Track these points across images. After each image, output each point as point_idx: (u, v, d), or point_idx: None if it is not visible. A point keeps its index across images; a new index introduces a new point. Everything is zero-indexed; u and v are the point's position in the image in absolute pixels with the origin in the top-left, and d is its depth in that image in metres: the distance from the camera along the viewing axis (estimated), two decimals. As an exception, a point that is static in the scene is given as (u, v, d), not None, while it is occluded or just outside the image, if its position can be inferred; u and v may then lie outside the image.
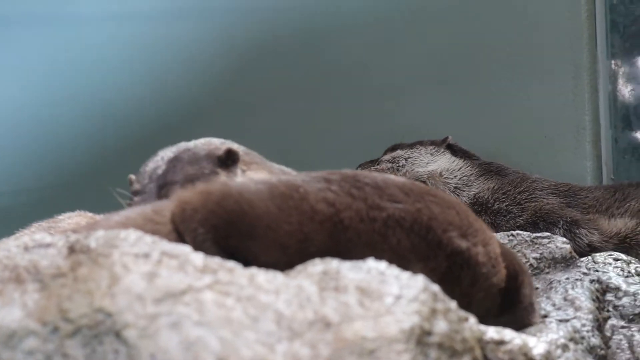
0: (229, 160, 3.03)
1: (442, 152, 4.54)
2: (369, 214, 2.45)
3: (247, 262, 2.26)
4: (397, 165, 4.50)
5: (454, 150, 4.57)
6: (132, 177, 3.09)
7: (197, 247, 2.30)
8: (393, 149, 4.60)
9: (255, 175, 3.01)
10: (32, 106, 4.94)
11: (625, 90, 5.09)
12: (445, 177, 4.42)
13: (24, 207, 4.83)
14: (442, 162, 4.49)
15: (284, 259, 2.32)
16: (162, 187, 2.99)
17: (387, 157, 4.57)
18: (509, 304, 2.69)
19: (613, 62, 5.07)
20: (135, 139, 4.91)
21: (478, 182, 4.40)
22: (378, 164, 4.54)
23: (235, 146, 3.10)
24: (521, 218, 4.18)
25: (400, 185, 2.55)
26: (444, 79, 5.07)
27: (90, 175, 4.89)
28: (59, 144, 4.94)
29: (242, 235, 2.38)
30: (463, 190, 4.33)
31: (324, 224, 2.41)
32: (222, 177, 2.99)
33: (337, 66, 5.12)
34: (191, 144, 3.10)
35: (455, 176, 4.43)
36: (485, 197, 4.30)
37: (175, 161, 3.03)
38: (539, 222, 4.11)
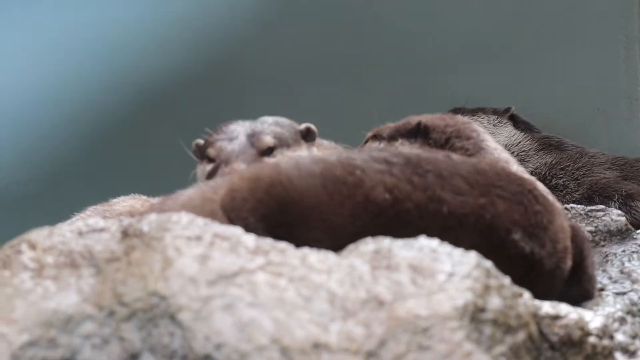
0: (308, 136, 3.11)
1: (505, 123, 4.49)
2: (429, 208, 2.40)
3: (299, 246, 2.25)
4: None
5: (516, 121, 4.52)
6: (200, 140, 3.12)
7: None
8: (455, 112, 4.54)
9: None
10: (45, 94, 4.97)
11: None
12: None
13: (38, 195, 4.87)
14: (503, 135, 4.44)
15: (336, 247, 2.29)
16: (253, 135, 3.02)
17: None
18: (573, 277, 2.66)
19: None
20: (143, 114, 4.92)
21: (536, 157, 4.36)
22: None
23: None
24: (577, 193, 4.15)
25: (466, 175, 2.46)
26: (495, 51, 5.02)
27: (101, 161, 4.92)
28: (62, 131, 4.97)
29: (292, 224, 2.35)
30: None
31: (378, 216, 2.37)
32: (303, 147, 3.05)
33: (380, 36, 5.07)
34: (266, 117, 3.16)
35: (514, 152, 4.39)
36: (543, 172, 4.27)
37: (262, 121, 3.09)
38: (595, 196, 4.08)
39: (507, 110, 4.52)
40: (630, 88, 4.92)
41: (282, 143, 3.06)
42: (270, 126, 3.09)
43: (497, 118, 4.50)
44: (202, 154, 3.09)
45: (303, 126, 3.16)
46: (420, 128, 2.94)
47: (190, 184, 2.80)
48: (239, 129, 3.07)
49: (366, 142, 3.06)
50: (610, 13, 4.94)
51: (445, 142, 2.88)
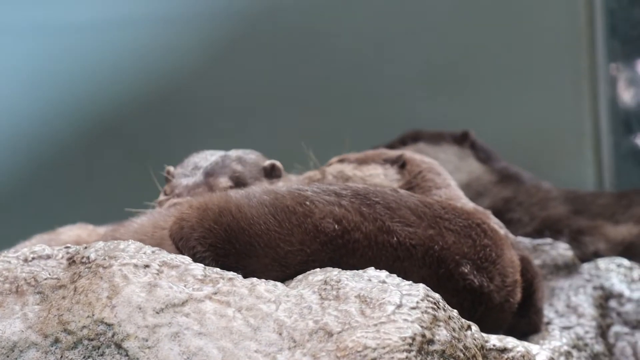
0: (273, 173, 3.08)
1: (467, 154, 4.49)
2: (377, 239, 2.40)
3: (247, 277, 2.24)
4: None
5: (476, 149, 4.52)
6: (171, 168, 3.09)
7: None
8: (415, 138, 4.51)
9: None
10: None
11: (626, 95, 5.08)
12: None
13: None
14: (465, 171, 4.45)
15: (284, 276, 2.29)
16: (210, 175, 3.00)
17: (412, 149, 4.47)
18: (522, 309, 2.68)
19: (613, 65, 5.06)
20: (124, 132, 4.90)
21: (495, 190, 4.37)
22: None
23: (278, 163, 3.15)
24: (529, 227, 4.17)
25: (413, 207, 2.47)
26: (442, 82, 5.06)
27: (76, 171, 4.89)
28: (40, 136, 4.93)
29: (240, 253, 2.34)
30: (476, 203, 4.29)
31: (327, 245, 2.37)
32: (263, 185, 3.03)
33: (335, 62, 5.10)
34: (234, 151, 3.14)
35: (473, 187, 4.40)
36: (498, 207, 4.28)
37: (224, 157, 3.06)
38: (545, 230, 4.10)
39: (465, 136, 4.52)
40: (578, 123, 4.97)
41: (240, 182, 3.04)
42: (231, 164, 3.06)
43: (460, 149, 4.50)
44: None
45: (267, 163, 3.13)
46: (400, 158, 2.97)
47: (140, 212, 2.78)
48: (200, 165, 3.05)
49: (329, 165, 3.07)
50: (557, 48, 5.00)
51: (418, 173, 2.91)
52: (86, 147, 4.86)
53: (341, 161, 3.05)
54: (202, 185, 2.96)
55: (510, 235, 2.77)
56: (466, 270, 2.44)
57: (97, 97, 4.93)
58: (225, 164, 3.04)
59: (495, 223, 2.71)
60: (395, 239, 2.40)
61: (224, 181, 2.99)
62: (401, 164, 2.95)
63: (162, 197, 3.01)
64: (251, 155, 3.12)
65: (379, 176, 2.92)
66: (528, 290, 2.69)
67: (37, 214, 4.52)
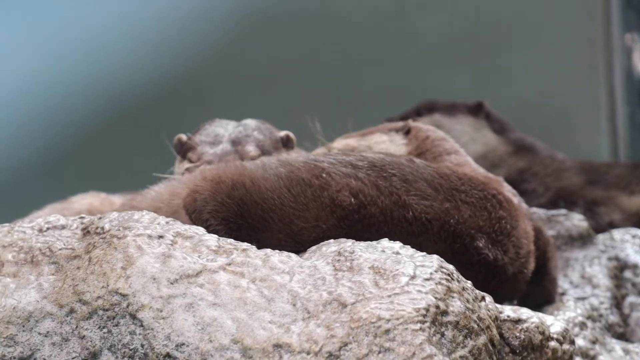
0: (288, 144, 3.08)
1: (482, 125, 4.47)
2: (393, 214, 2.39)
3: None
4: None
5: (491, 120, 4.50)
6: (183, 136, 3.08)
7: None
8: (430, 109, 4.49)
9: None
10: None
11: (641, 65, 5.06)
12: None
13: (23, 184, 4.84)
14: (481, 142, 4.43)
15: (298, 250, 2.28)
16: (237, 144, 2.99)
17: (426, 121, 4.45)
18: (536, 278, 2.67)
19: (628, 36, 5.03)
20: (137, 108, 4.89)
21: (510, 161, 4.35)
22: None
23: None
24: (544, 198, 4.16)
25: (429, 179, 2.46)
26: (458, 53, 5.04)
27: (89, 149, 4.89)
28: (53, 118, 4.94)
29: (253, 227, 2.33)
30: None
31: (344, 221, 2.36)
32: (283, 155, 3.03)
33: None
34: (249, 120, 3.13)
35: (489, 158, 4.38)
36: (513, 177, 4.27)
37: (245, 126, 3.05)
38: (560, 201, 4.09)
39: (480, 107, 4.49)
40: (593, 93, 4.95)
41: (264, 152, 3.03)
42: (253, 133, 3.04)
43: (475, 120, 4.48)
44: (183, 152, 3.06)
45: (283, 133, 3.12)
46: (405, 126, 2.96)
47: (156, 180, 2.78)
48: (223, 133, 3.04)
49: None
50: (573, 18, 4.97)
51: (426, 138, 2.89)
52: (102, 117, 4.87)
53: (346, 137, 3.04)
54: (232, 153, 2.95)
55: (524, 205, 2.77)
56: (481, 245, 2.43)
57: (112, 71, 4.93)
58: (248, 132, 3.04)
59: (509, 191, 2.70)
60: (410, 213, 2.39)
61: (252, 149, 2.99)
62: (406, 131, 2.93)
63: (186, 164, 3.00)
64: (267, 125, 3.12)
65: (385, 142, 2.92)
66: (542, 259, 2.69)
67: (51, 183, 4.52)
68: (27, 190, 4.65)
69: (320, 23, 5.11)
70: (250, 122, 3.08)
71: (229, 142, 2.99)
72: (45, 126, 4.90)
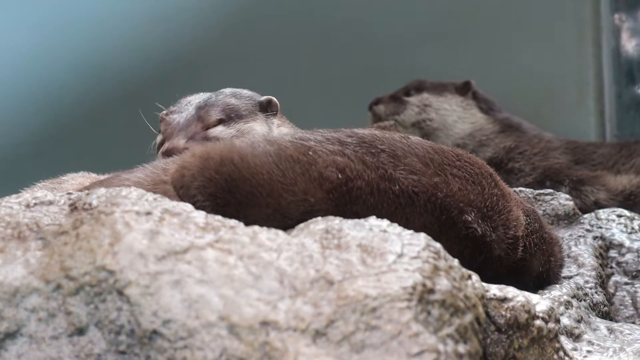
0: (269, 109, 3.07)
1: (470, 105, 4.49)
2: (380, 187, 2.39)
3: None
4: (427, 117, 4.44)
5: (478, 100, 4.52)
6: (164, 112, 3.09)
7: None
8: (418, 88, 4.52)
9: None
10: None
11: (629, 45, 5.06)
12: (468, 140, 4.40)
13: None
14: (469, 121, 4.45)
15: (285, 227, 2.28)
16: (202, 108, 2.99)
17: (415, 100, 4.48)
18: (542, 279, 2.69)
19: (616, 16, 5.03)
20: (131, 90, 4.89)
21: (497, 140, 4.38)
22: (404, 109, 4.46)
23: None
24: (530, 177, 4.18)
25: (421, 154, 2.46)
26: (445, 32, 5.04)
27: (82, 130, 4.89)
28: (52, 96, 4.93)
29: (241, 203, 2.32)
30: (479, 153, 4.29)
31: (330, 193, 2.36)
32: (259, 120, 3.03)
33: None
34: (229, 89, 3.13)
35: (476, 138, 4.40)
36: (500, 156, 4.29)
37: (218, 93, 3.06)
38: (546, 180, 4.11)
39: (467, 85, 4.51)
40: (581, 72, 4.96)
41: (234, 115, 3.02)
42: (224, 98, 3.05)
43: (463, 100, 4.50)
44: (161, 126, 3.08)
45: (264, 98, 3.12)
46: None
47: (145, 160, 2.78)
48: (193, 101, 3.05)
49: None
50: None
51: None
52: (91, 97, 4.87)
53: None
54: (194, 119, 2.96)
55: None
56: (470, 219, 2.43)
57: (105, 51, 4.93)
58: (218, 98, 3.04)
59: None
60: (397, 186, 2.39)
61: (214, 113, 2.99)
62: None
63: (159, 138, 3.01)
64: (246, 91, 3.12)
65: None
66: (547, 264, 2.70)
67: (42, 164, 4.52)
68: (17, 170, 4.65)
69: (310, 2, 5.10)
70: (227, 90, 3.09)
71: (195, 109, 2.99)
72: (37, 107, 4.90)
